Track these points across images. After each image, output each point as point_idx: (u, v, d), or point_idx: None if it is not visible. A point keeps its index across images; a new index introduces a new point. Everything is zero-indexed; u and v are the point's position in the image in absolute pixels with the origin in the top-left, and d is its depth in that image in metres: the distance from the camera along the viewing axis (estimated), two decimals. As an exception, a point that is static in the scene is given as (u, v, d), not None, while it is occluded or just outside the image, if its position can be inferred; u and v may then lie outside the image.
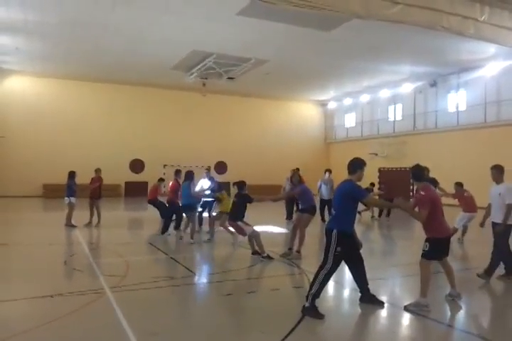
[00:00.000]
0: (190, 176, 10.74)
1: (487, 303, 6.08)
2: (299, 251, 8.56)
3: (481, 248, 8.77)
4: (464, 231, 10.71)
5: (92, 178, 13.39)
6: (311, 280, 5.34)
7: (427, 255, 5.55)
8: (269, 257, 8.36)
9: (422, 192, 5.61)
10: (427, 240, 5.58)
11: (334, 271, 5.28)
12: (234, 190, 9.34)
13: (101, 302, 5.56)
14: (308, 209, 8.80)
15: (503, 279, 6.93)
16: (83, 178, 13.58)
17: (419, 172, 5.82)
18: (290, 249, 8.70)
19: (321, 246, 9.72)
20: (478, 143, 22.02)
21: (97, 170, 13.62)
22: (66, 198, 12.84)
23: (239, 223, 8.64)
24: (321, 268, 5.26)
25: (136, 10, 15.24)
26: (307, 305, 5.13)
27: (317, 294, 5.16)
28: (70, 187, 12.91)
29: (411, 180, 6.05)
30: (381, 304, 5.56)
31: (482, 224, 7.53)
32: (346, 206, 5.37)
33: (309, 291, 5.19)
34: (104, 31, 17.51)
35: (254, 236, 8.56)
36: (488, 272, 6.93)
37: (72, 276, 7.20)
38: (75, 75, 25.37)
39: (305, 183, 9.42)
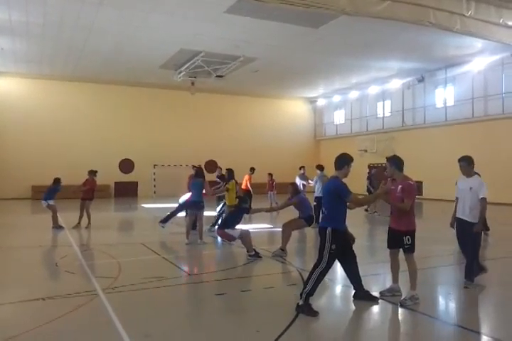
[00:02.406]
0: (201, 174, 10.72)
1: (476, 297, 6.12)
2: (283, 249, 8.61)
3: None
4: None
5: (86, 180, 13.16)
6: (306, 278, 5.34)
7: (412, 249, 5.58)
8: (257, 255, 8.35)
9: (411, 182, 5.64)
10: (406, 234, 5.54)
11: (329, 269, 5.28)
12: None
13: (93, 304, 5.51)
14: (307, 219, 8.91)
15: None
16: (71, 179, 13.47)
17: (401, 163, 5.76)
18: (282, 249, 8.68)
19: (314, 244, 9.77)
20: (466, 138, 22.18)
21: (90, 172, 13.29)
22: (44, 201, 12.60)
23: (226, 230, 8.56)
24: (315, 266, 5.26)
25: (123, 9, 15.13)
26: (301, 303, 5.13)
27: (311, 292, 5.16)
28: (51, 192, 12.71)
29: (390, 170, 5.71)
30: (375, 300, 5.58)
31: (452, 224, 6.67)
32: (336, 204, 5.37)
33: (303, 289, 5.19)
34: (91, 31, 17.34)
35: (244, 236, 8.51)
36: (479, 270, 6.44)
37: (64, 278, 7.12)
38: (62, 76, 25.12)
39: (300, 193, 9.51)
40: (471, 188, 6.23)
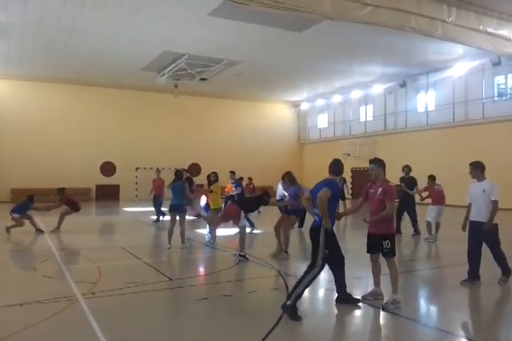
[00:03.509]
0: (181, 176, 10.60)
1: (460, 301, 6.17)
2: (286, 252, 8.67)
3: (454, 245, 8.96)
4: (437, 228, 10.90)
5: (60, 198, 12.86)
6: (298, 280, 5.29)
7: (392, 253, 5.60)
8: (244, 257, 8.35)
9: (391, 184, 5.70)
10: (385, 238, 5.53)
11: (320, 274, 5.30)
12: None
13: (73, 309, 5.40)
14: (296, 212, 8.91)
15: (465, 284, 6.58)
16: (52, 182, 13.25)
17: (384, 165, 5.80)
18: (286, 252, 8.68)
19: (298, 247, 9.76)
20: (447, 142, 22.52)
21: (59, 191, 12.94)
22: (14, 214, 12.20)
23: (242, 214, 8.62)
24: (309, 270, 5.25)
25: (105, 10, 14.99)
26: (289, 303, 5.11)
27: (300, 296, 5.16)
28: (20, 208, 12.36)
29: (376, 173, 5.72)
30: (357, 302, 5.59)
31: (464, 227, 6.82)
32: (331, 205, 5.37)
33: (294, 290, 5.17)
34: (73, 32, 17.14)
35: (241, 232, 8.57)
36: (507, 274, 6.69)
37: (42, 283, 6.96)
38: (43, 77, 24.73)
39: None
40: (483, 191, 6.49)
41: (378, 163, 5.79)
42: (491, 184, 6.55)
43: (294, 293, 5.14)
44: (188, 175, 15.44)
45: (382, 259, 5.70)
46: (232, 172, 13.32)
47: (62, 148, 25.92)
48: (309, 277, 5.20)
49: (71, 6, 14.50)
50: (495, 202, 6.42)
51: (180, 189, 10.19)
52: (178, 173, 10.63)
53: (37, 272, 7.69)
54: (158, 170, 16.07)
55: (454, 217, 14.85)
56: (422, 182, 11.62)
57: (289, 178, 9.22)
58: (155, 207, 15.18)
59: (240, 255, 8.45)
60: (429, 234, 10.89)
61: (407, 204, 11.71)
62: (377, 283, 5.84)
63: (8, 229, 12.00)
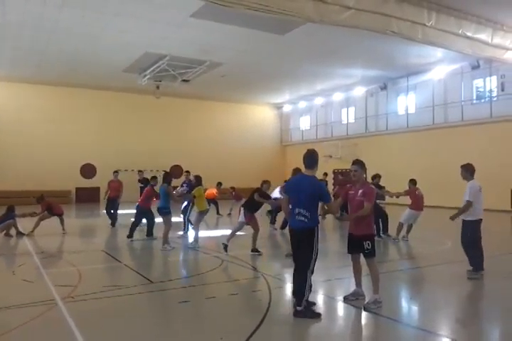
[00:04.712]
0: (168, 179, 10.54)
1: (437, 299, 6.24)
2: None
3: (427, 245, 9.08)
4: (409, 230, 11.06)
5: (42, 204, 12.70)
6: (299, 284, 5.23)
7: (372, 253, 5.65)
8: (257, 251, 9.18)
9: (372, 186, 5.83)
10: (365, 239, 5.60)
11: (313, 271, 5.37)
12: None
13: (52, 313, 5.31)
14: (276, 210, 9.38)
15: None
16: (31, 184, 13.04)
17: (365, 167, 5.91)
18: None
19: (280, 249, 9.79)
20: (427, 144, 22.81)
21: (39, 199, 12.83)
22: None
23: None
24: (305, 270, 5.23)
25: (86, 11, 14.79)
26: (300, 308, 5.13)
27: (307, 298, 5.19)
28: (5, 219, 12.07)
29: (359, 174, 5.77)
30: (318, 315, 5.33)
31: (453, 218, 7.31)
32: (316, 203, 5.41)
33: (303, 298, 5.15)
34: (53, 32, 16.88)
35: (241, 227, 9.42)
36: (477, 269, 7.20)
37: (21, 287, 6.83)
38: (23, 78, 24.26)
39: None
40: (465, 192, 7.12)
41: (360, 164, 5.86)
42: (468, 185, 7.13)
43: (300, 298, 5.15)
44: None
45: (362, 260, 5.75)
46: (188, 172, 13.85)
47: (41, 150, 25.48)
48: (310, 276, 5.22)
49: (52, 7, 14.28)
50: (465, 202, 7.07)
51: (163, 192, 10.22)
52: (166, 176, 10.62)
53: (15, 276, 7.56)
54: (116, 172, 15.77)
55: (432, 218, 15.05)
56: (401, 185, 11.72)
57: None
58: (106, 210, 14.77)
59: (256, 250, 9.16)
60: (396, 235, 11.01)
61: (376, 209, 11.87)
62: (358, 283, 5.88)
63: (21, 233, 12.00)
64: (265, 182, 9.67)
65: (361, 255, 5.75)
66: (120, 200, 14.83)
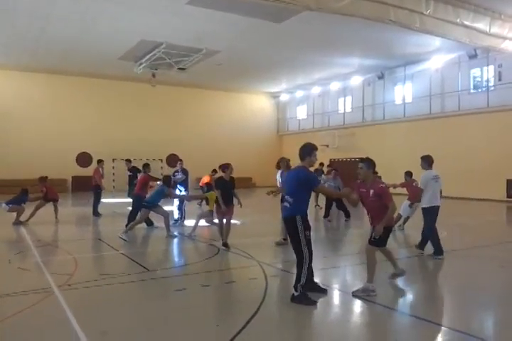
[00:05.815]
0: (169, 182, 10.59)
1: (432, 287, 6.29)
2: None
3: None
4: (406, 220, 11.11)
5: (44, 187, 12.82)
6: (297, 271, 5.29)
7: (376, 242, 5.67)
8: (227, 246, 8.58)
9: (382, 185, 5.74)
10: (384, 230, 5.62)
11: (312, 254, 5.34)
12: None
13: (48, 301, 5.33)
14: None
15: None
16: (25, 173, 13.00)
17: (375, 165, 5.79)
18: (285, 239, 8.61)
19: (274, 237, 9.81)
20: (424, 134, 22.81)
21: (42, 179, 12.92)
22: (5, 205, 12.13)
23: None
24: (300, 260, 5.26)
25: (80, -3, 14.64)
26: (297, 293, 5.17)
27: (304, 283, 5.21)
28: (17, 200, 12.27)
29: (364, 173, 5.72)
30: (324, 291, 5.60)
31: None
32: (302, 192, 5.39)
33: (298, 283, 5.20)
34: (48, 20, 16.70)
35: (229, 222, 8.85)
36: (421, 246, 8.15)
37: (17, 276, 6.84)
38: (17, 66, 24.09)
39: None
40: None
41: (368, 163, 5.77)
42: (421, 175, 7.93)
43: (300, 284, 5.18)
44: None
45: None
46: (181, 161, 13.68)
47: (36, 138, 25.38)
48: (305, 265, 5.23)
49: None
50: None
51: (163, 192, 10.33)
52: (166, 180, 10.63)
53: (11, 264, 7.55)
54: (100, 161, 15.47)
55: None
56: (398, 174, 11.70)
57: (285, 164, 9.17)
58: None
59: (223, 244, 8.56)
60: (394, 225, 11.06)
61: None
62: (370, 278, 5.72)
63: (20, 222, 11.96)
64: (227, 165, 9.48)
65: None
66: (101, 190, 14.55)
